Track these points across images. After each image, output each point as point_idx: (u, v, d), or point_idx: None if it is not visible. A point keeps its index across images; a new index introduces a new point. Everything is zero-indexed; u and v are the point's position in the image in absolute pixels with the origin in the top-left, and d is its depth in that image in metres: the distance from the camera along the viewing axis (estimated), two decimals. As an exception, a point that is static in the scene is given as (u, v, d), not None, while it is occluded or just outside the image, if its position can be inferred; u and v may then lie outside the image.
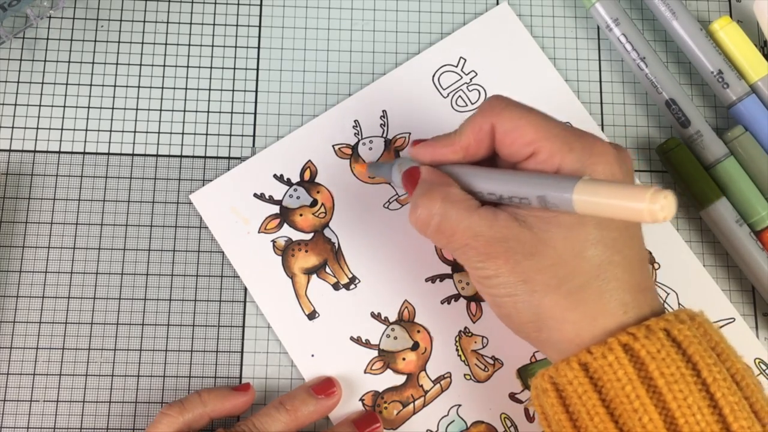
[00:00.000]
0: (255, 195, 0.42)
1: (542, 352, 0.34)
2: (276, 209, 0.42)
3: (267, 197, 0.42)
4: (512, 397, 0.40)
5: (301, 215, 0.42)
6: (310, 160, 0.42)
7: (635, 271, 0.32)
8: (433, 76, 0.44)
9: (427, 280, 0.41)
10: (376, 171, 0.39)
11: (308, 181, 0.42)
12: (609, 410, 0.30)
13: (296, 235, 0.41)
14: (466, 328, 0.41)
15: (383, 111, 0.43)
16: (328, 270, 0.41)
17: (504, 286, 0.32)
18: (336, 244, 0.41)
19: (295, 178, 0.42)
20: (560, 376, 0.31)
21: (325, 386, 0.39)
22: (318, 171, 0.42)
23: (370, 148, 0.43)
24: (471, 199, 0.33)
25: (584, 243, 0.31)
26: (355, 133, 0.43)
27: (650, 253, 0.42)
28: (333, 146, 0.43)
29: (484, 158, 0.35)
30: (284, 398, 0.38)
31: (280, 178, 0.42)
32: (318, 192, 0.42)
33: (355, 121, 0.43)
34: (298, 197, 0.42)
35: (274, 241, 0.41)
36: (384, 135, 0.43)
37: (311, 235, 0.42)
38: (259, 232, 0.41)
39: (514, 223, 0.31)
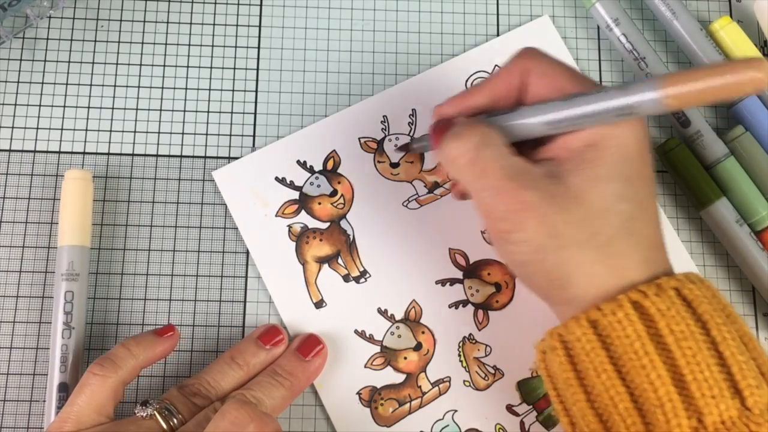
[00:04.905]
0: (276, 179, 0.42)
1: (559, 311, 0.33)
2: (296, 195, 0.42)
3: (288, 182, 0.42)
4: (509, 409, 0.40)
5: (319, 203, 0.42)
6: (334, 150, 0.42)
7: (656, 228, 0.32)
8: (467, 80, 0.44)
9: (437, 282, 0.41)
10: (418, 144, 0.40)
11: (330, 170, 0.42)
12: (617, 368, 0.30)
13: (312, 223, 0.42)
14: (470, 334, 0.41)
15: (413, 110, 0.43)
16: (340, 261, 0.41)
17: (528, 242, 0.31)
18: (351, 236, 0.42)
19: (318, 167, 0.42)
20: (569, 333, 0.31)
21: (272, 335, 0.39)
22: (341, 162, 0.42)
23: (396, 145, 0.43)
24: (509, 145, 0.32)
25: (615, 197, 0.31)
26: (382, 128, 0.43)
27: None
28: (359, 139, 0.43)
29: (508, 108, 0.34)
30: (234, 353, 0.38)
31: (303, 165, 0.42)
32: (339, 182, 0.42)
33: (383, 116, 0.43)
34: (318, 185, 0.42)
35: (290, 226, 0.41)
36: (411, 133, 0.43)
37: (327, 224, 0.42)
38: (276, 216, 0.41)
39: (546, 176, 0.31)
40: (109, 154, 0.42)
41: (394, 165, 0.43)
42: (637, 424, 0.29)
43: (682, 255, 0.42)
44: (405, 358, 0.40)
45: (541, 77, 0.33)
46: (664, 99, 0.28)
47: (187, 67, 0.44)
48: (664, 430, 0.28)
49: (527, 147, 0.33)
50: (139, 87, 0.43)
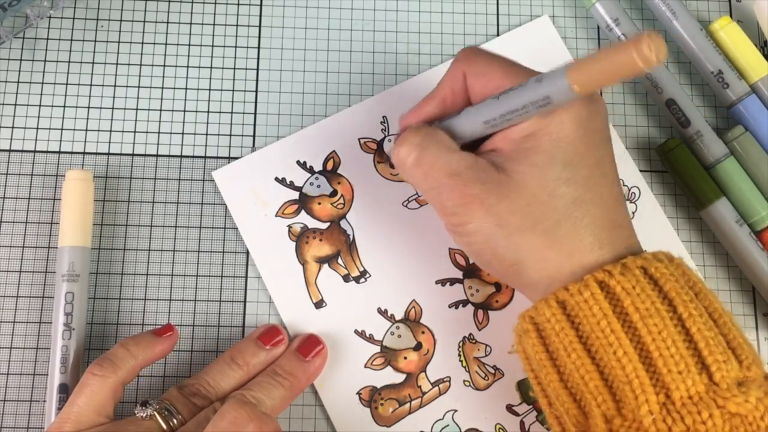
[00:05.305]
0: (276, 179, 0.42)
1: (526, 295, 0.34)
2: (295, 195, 0.42)
3: (288, 182, 0.42)
4: (509, 408, 0.40)
5: (319, 204, 0.42)
6: (334, 151, 0.43)
7: (609, 208, 0.32)
8: None
9: (437, 282, 0.41)
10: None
11: (330, 171, 0.42)
12: (586, 347, 0.31)
13: (312, 223, 0.42)
14: (470, 334, 0.41)
15: None
16: (340, 261, 0.41)
17: (479, 233, 0.32)
18: (351, 237, 0.42)
19: (318, 167, 0.42)
20: (539, 315, 0.32)
21: (272, 335, 0.39)
22: (341, 162, 0.42)
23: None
24: (453, 142, 0.34)
25: (556, 182, 0.31)
26: (382, 129, 0.43)
27: None
28: (359, 139, 0.43)
29: (456, 112, 0.35)
30: (234, 353, 0.38)
31: (303, 165, 0.42)
32: (339, 183, 0.42)
33: (383, 116, 0.43)
34: (318, 186, 0.42)
35: (290, 227, 0.41)
36: None
37: (327, 224, 0.42)
38: (276, 216, 0.41)
39: (491, 167, 0.32)
40: (109, 154, 0.42)
41: (394, 165, 0.43)
42: (608, 401, 0.30)
43: (682, 255, 0.42)
44: (405, 358, 0.40)
45: (477, 78, 0.34)
46: (570, 85, 0.29)
47: (187, 67, 0.44)
48: (632, 406, 0.29)
49: (477, 141, 0.34)
50: (139, 87, 0.43)
